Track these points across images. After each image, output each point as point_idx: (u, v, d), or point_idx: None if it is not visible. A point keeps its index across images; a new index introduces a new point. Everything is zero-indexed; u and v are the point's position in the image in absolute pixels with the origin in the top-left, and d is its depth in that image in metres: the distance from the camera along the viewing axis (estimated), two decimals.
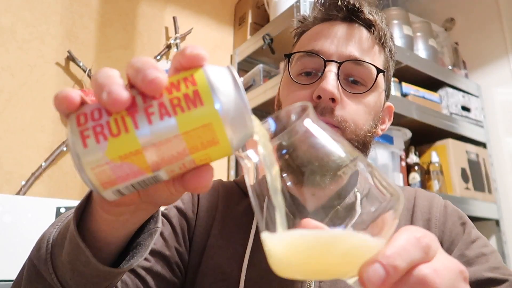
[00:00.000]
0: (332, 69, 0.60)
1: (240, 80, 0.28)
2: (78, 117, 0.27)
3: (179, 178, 0.30)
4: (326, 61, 0.61)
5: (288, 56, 0.66)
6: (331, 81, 0.58)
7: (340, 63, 0.61)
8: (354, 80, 0.62)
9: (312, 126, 0.31)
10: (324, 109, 0.59)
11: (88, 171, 0.27)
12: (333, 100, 0.58)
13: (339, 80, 0.60)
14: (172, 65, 0.30)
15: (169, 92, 0.27)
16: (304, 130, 0.31)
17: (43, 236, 0.44)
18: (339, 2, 0.64)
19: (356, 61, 0.61)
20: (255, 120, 0.30)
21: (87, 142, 0.26)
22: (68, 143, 0.28)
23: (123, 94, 0.26)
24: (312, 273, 0.30)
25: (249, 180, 0.32)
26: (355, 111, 0.60)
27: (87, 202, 0.39)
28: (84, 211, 0.39)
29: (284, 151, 0.31)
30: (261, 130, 0.30)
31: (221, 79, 0.27)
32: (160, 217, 0.44)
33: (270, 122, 0.32)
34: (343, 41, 0.63)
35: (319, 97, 0.58)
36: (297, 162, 0.31)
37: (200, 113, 0.26)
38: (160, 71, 0.27)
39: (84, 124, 0.27)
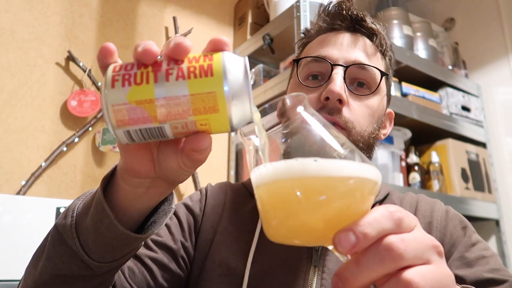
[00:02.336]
0: (339, 71, 0.64)
1: (249, 71, 0.33)
2: (115, 66, 0.33)
3: (183, 146, 0.35)
4: (333, 65, 0.64)
5: (296, 61, 0.70)
6: (338, 83, 0.62)
7: (346, 67, 0.64)
8: (359, 82, 0.66)
9: (307, 115, 0.35)
10: (332, 109, 0.62)
11: (109, 108, 0.32)
12: (340, 101, 0.62)
13: (345, 82, 0.64)
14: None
15: (189, 62, 0.33)
16: (300, 119, 0.35)
17: (69, 206, 0.47)
18: (344, 12, 0.69)
19: (361, 65, 0.65)
20: (256, 110, 0.34)
21: (115, 84, 0.32)
22: (103, 81, 0.33)
23: (154, 48, 0.33)
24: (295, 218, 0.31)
25: (250, 158, 0.36)
26: (360, 113, 0.64)
27: (111, 175, 0.44)
28: (108, 184, 0.44)
29: (284, 139, 0.35)
30: (257, 117, 0.34)
31: (234, 64, 0.33)
32: (174, 200, 0.48)
33: (268, 110, 0.36)
34: (348, 47, 0.67)
35: (327, 98, 0.62)
36: (294, 148, 0.35)
37: (208, 82, 0.32)
38: (187, 41, 0.33)
39: (117, 71, 0.33)
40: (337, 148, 0.32)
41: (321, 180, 0.30)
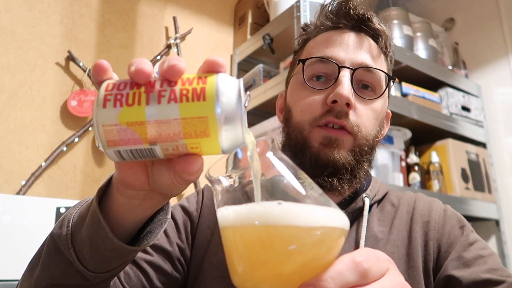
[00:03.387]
0: (346, 74, 0.62)
1: (244, 94, 0.32)
2: (108, 84, 0.33)
3: (174, 164, 0.35)
4: (340, 67, 0.63)
5: (303, 61, 0.67)
6: (346, 86, 0.61)
7: (354, 70, 0.63)
8: (364, 85, 0.65)
9: (275, 160, 0.34)
10: (340, 113, 0.61)
11: (100, 127, 0.32)
12: (348, 105, 0.61)
13: (352, 85, 0.62)
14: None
15: (183, 84, 0.32)
16: (269, 164, 0.33)
17: (65, 216, 0.47)
18: (351, 11, 0.66)
19: (369, 68, 0.64)
20: (248, 132, 0.33)
21: (106, 104, 0.32)
22: (96, 99, 0.33)
23: (147, 67, 0.32)
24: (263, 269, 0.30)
25: (216, 201, 0.35)
26: (366, 116, 0.63)
27: (107, 186, 0.43)
28: (103, 195, 0.43)
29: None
30: (251, 140, 0.33)
31: (228, 88, 0.32)
32: (170, 209, 0.47)
33: (238, 152, 0.35)
34: (354, 48, 0.65)
35: (334, 101, 0.61)
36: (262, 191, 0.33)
37: (200, 106, 0.31)
38: (182, 62, 0.32)
39: (110, 90, 0.32)
40: (303, 191, 0.31)
41: (286, 229, 0.29)
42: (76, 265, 0.44)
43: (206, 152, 0.33)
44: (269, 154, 0.34)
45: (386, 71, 0.68)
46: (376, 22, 0.67)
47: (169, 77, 0.32)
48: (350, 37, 0.66)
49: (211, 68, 0.33)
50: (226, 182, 0.34)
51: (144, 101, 0.31)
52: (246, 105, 0.33)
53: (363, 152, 0.63)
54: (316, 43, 0.68)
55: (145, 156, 0.33)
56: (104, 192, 0.43)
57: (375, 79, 0.64)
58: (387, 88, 0.66)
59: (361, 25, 0.67)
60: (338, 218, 0.31)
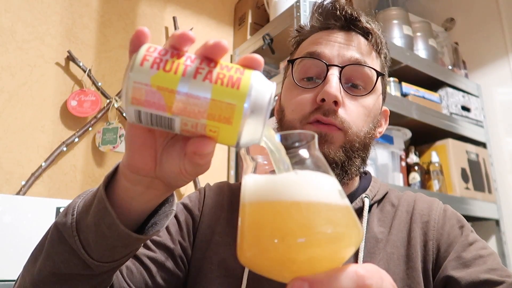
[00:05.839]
0: (334, 72, 0.63)
1: (273, 99, 0.33)
2: (149, 47, 0.33)
3: (188, 145, 0.35)
4: (329, 66, 0.63)
5: (291, 61, 0.69)
6: (334, 84, 0.61)
7: (341, 67, 0.63)
8: (355, 84, 0.65)
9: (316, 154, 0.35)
10: (328, 111, 0.61)
11: (130, 83, 0.32)
12: (336, 103, 0.61)
13: (341, 83, 0.63)
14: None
15: (221, 68, 0.33)
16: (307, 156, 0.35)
17: (70, 205, 0.47)
18: (338, 12, 0.67)
19: (357, 65, 0.64)
20: (270, 129, 0.34)
21: (144, 63, 0.32)
22: (129, 60, 0.34)
23: (191, 35, 0.33)
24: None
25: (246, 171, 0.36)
26: (356, 113, 0.63)
27: (114, 174, 0.44)
28: (109, 183, 0.43)
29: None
30: (271, 134, 0.34)
31: (262, 86, 0.33)
32: (175, 202, 0.48)
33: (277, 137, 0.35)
34: (343, 46, 0.66)
35: (323, 100, 0.61)
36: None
37: (232, 93, 0.32)
38: (225, 42, 0.33)
39: (151, 52, 0.33)
40: (335, 190, 0.32)
41: (305, 204, 0.29)
42: (80, 253, 0.44)
43: (222, 138, 0.34)
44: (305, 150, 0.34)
45: (378, 68, 0.68)
46: (364, 21, 0.68)
47: (211, 55, 0.33)
48: (338, 36, 0.67)
49: (249, 64, 0.34)
50: (261, 161, 0.35)
51: (181, 72, 0.32)
52: (271, 108, 0.33)
53: (354, 149, 0.63)
54: (306, 44, 0.70)
55: (162, 125, 0.34)
56: (110, 180, 0.44)
57: (365, 76, 0.65)
58: (376, 84, 0.65)
59: (350, 25, 0.67)
60: (356, 222, 0.31)
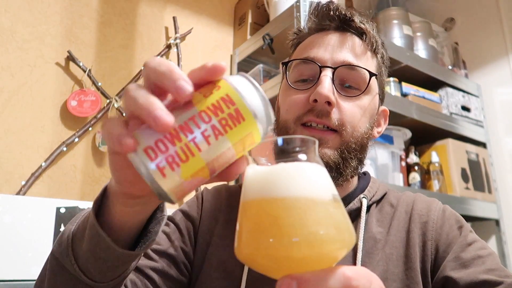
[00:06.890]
0: (327, 74, 0.63)
1: (256, 82, 0.34)
2: (147, 152, 0.31)
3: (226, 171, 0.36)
4: (321, 67, 0.64)
5: (285, 64, 0.70)
6: (326, 85, 0.62)
7: (334, 69, 0.64)
8: (349, 85, 0.65)
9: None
10: (320, 111, 0.62)
11: (171, 194, 0.32)
12: (328, 103, 0.61)
13: (334, 84, 0.63)
14: (193, 76, 0.33)
15: (215, 115, 0.32)
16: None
17: (63, 233, 0.47)
18: (331, 12, 0.68)
19: (350, 66, 0.65)
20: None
21: (165, 172, 0.31)
22: (143, 173, 0.31)
23: (168, 118, 0.30)
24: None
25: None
26: (351, 113, 0.63)
27: (102, 198, 0.43)
28: (100, 207, 0.43)
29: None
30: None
31: (249, 92, 0.33)
32: (166, 207, 0.48)
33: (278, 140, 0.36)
34: (337, 48, 0.66)
35: (315, 100, 0.62)
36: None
37: (244, 126, 0.33)
38: (187, 81, 0.31)
39: (156, 158, 0.31)
40: (329, 193, 0.32)
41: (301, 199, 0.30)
42: (82, 279, 0.44)
43: (249, 148, 0.36)
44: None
45: (374, 67, 0.69)
46: (358, 21, 0.68)
47: (180, 99, 0.32)
48: (332, 38, 0.67)
49: (216, 74, 0.33)
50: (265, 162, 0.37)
51: (196, 150, 0.32)
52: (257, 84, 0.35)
53: (351, 150, 0.63)
54: (302, 46, 0.71)
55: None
56: (100, 204, 0.43)
57: (358, 77, 0.65)
58: (369, 85, 0.66)
59: (344, 25, 0.68)
60: (349, 224, 0.32)
